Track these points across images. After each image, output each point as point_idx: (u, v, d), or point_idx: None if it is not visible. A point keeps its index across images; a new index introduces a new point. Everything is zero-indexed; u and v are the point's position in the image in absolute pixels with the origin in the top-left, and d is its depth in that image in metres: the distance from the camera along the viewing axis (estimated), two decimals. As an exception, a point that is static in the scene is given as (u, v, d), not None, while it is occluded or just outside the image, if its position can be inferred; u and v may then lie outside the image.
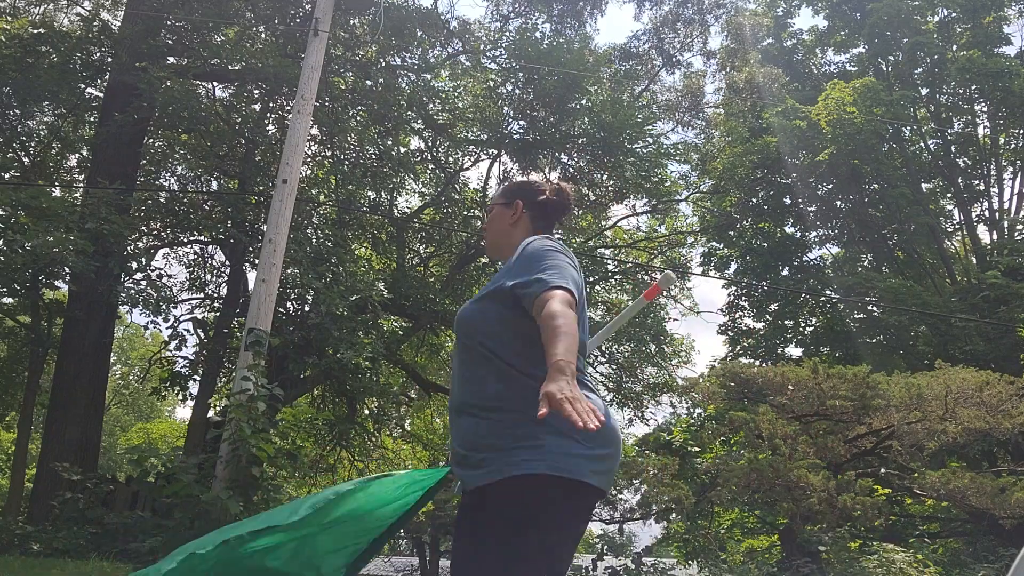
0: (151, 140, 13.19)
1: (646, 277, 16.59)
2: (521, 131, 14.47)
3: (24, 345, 14.18)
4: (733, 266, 21.05)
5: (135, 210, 11.64)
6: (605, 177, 14.79)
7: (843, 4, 20.04)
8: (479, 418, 1.94)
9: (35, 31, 12.20)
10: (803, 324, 19.79)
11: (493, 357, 1.96)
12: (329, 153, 13.36)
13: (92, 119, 13.35)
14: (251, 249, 11.92)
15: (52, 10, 14.71)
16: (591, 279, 15.57)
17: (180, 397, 13.39)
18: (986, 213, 18.56)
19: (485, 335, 2.00)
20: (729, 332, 20.34)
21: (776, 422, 10.83)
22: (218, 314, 13.33)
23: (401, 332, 15.38)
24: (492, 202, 2.24)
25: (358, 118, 12.84)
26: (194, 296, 14.30)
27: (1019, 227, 17.69)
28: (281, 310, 11.45)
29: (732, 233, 19.57)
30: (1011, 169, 18.67)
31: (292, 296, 12.17)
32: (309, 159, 13.41)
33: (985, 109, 18.40)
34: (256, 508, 6.30)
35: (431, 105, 14.55)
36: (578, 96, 13.61)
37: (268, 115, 13.19)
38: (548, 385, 1.66)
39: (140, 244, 12.68)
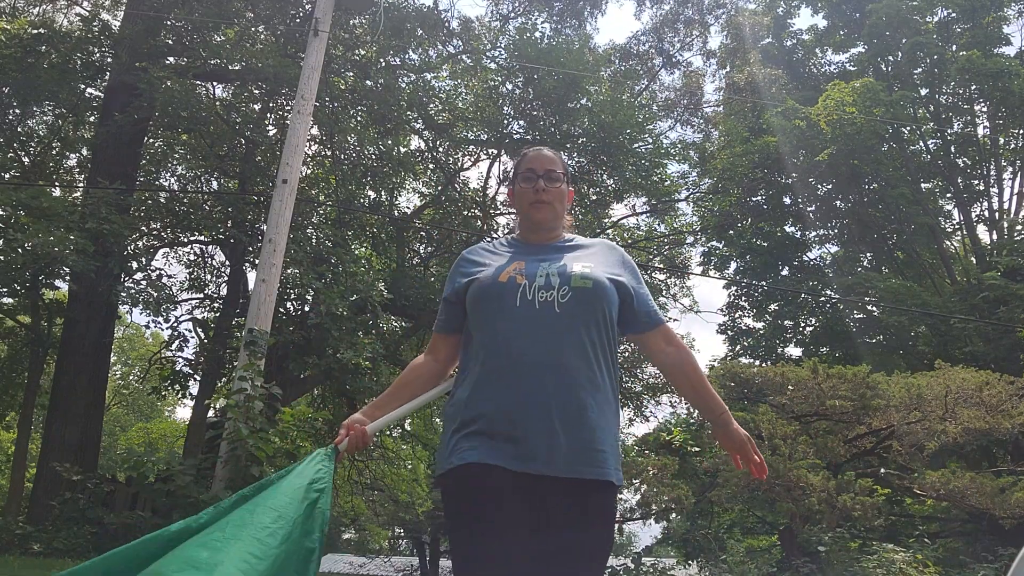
0: (151, 140, 13.19)
1: (647, 277, 16.60)
2: (521, 131, 14.47)
3: (24, 345, 14.18)
4: (733, 266, 21.05)
5: (135, 210, 11.64)
6: (605, 176, 14.80)
7: (843, 4, 20.04)
8: (597, 405, 1.86)
9: (35, 31, 12.21)
10: (803, 324, 19.80)
11: (605, 346, 1.92)
12: (329, 153, 13.35)
13: (92, 119, 13.35)
14: (251, 249, 11.93)
15: (51, 10, 14.71)
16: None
17: (180, 395, 13.41)
18: (986, 213, 18.56)
19: (606, 319, 1.93)
20: (729, 332, 20.35)
21: (776, 422, 10.84)
22: (218, 314, 13.34)
23: (401, 332, 15.38)
24: (558, 173, 2.11)
25: (358, 118, 12.83)
26: (194, 296, 14.32)
27: (1019, 227, 17.68)
28: (281, 310, 11.45)
29: (732, 233, 19.57)
30: (1011, 169, 18.67)
31: (292, 296, 12.17)
32: (309, 159, 13.41)
33: (985, 109, 18.40)
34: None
35: (431, 105, 14.55)
36: (578, 96, 13.61)
37: (268, 115, 13.20)
38: (740, 431, 2.05)
39: (140, 244, 12.69)
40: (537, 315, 1.86)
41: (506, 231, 16.27)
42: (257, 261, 8.80)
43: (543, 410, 1.79)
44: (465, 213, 15.57)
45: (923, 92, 18.78)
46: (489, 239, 2.21)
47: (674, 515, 12.63)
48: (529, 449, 1.77)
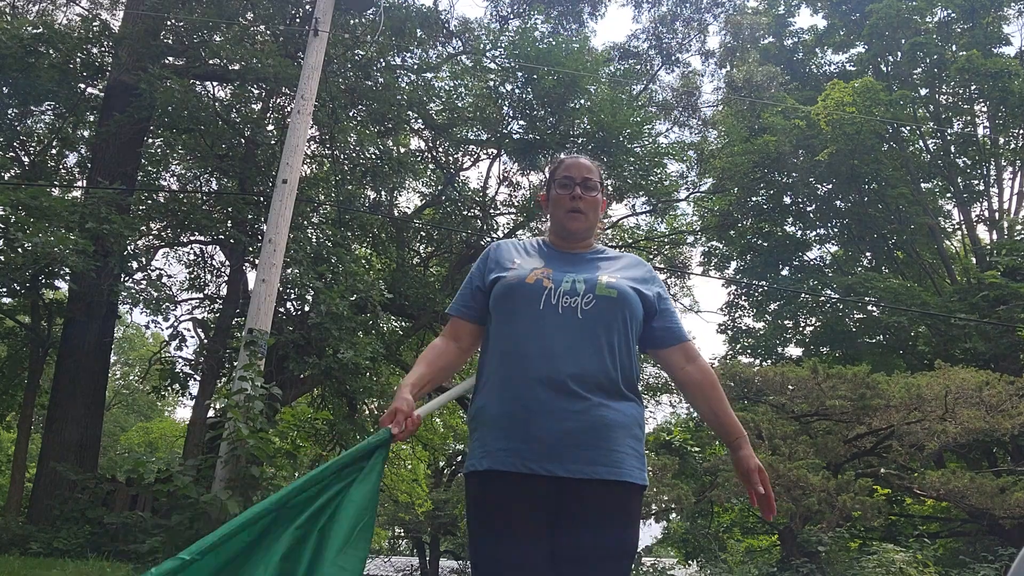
0: (151, 140, 13.18)
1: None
2: (521, 131, 14.48)
3: (24, 345, 14.16)
4: (733, 265, 21.05)
5: (135, 210, 11.63)
6: (605, 176, 14.80)
7: (842, 4, 20.05)
8: (615, 408, 1.89)
9: (35, 31, 12.20)
10: (803, 324, 19.80)
11: (625, 352, 1.94)
12: (329, 153, 13.35)
13: (92, 119, 13.35)
14: (251, 249, 11.92)
15: (51, 8, 14.70)
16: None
17: (180, 395, 13.40)
18: (986, 213, 18.57)
19: (627, 327, 1.94)
20: (729, 332, 20.35)
21: (776, 422, 10.85)
22: (218, 314, 13.34)
23: (401, 332, 15.38)
24: (594, 182, 2.11)
25: (358, 118, 12.83)
26: (194, 296, 14.31)
27: (1019, 227, 17.69)
28: (281, 310, 11.45)
29: (732, 232, 19.57)
30: (1011, 169, 18.68)
31: (292, 296, 12.17)
32: (309, 159, 13.41)
33: (984, 109, 18.40)
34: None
35: (431, 105, 14.55)
36: (577, 96, 13.62)
37: (268, 115, 13.19)
38: (751, 458, 1.94)
39: (140, 244, 12.67)
40: (559, 320, 1.87)
41: (506, 231, 16.29)
42: (257, 261, 8.80)
43: (560, 413, 1.80)
44: (465, 213, 15.57)
45: (923, 92, 18.79)
46: (519, 238, 2.23)
47: (674, 515, 12.64)
48: (546, 451, 1.78)
